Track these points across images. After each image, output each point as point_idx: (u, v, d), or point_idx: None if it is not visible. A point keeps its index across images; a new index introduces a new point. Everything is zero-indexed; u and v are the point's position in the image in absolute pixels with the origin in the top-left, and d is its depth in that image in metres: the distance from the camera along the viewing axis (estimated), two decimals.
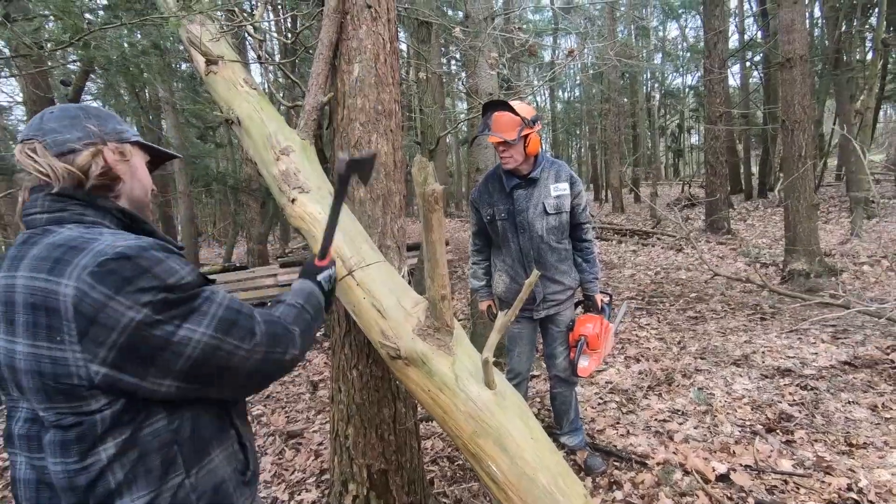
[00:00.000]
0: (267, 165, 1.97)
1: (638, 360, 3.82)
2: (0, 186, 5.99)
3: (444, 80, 9.46)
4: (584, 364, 2.39)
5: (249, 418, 3.34)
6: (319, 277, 1.29)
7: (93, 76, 6.59)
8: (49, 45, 2.13)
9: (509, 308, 1.50)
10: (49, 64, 3.92)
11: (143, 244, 0.83)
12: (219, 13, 2.84)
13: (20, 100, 7.61)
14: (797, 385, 3.14)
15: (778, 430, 2.65)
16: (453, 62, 12.44)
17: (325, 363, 4.67)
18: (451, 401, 1.50)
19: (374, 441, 2.07)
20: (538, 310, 2.47)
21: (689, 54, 20.42)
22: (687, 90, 22.29)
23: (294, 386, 4.24)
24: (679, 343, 4.14)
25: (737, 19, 16.18)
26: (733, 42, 15.40)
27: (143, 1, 2.69)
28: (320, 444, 3.06)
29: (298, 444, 3.13)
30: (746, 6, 16.72)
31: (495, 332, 1.46)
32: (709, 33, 9.80)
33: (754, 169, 16.18)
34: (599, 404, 3.17)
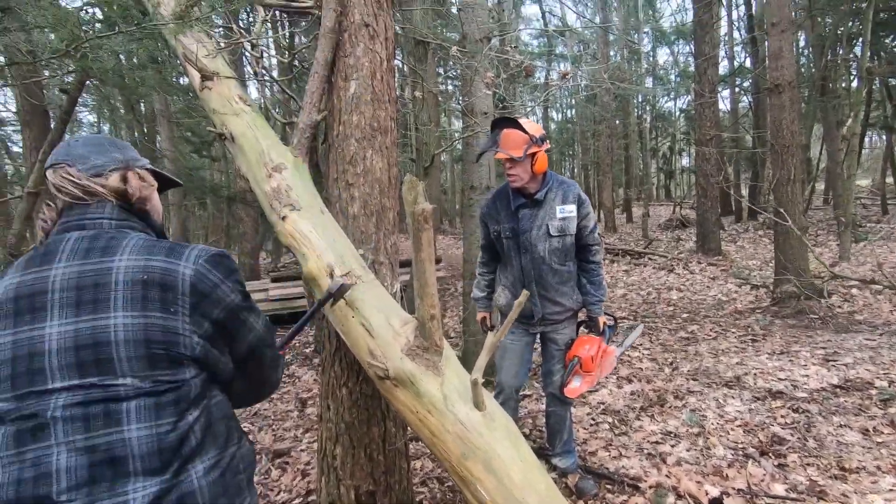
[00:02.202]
0: (259, 182, 1.97)
1: (630, 381, 3.81)
2: None
3: (441, 99, 9.57)
4: (576, 385, 2.37)
5: None
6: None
7: (88, 88, 6.60)
8: (44, 55, 2.12)
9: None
10: (45, 74, 3.92)
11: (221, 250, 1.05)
12: (217, 29, 2.86)
13: (13, 110, 7.59)
14: (789, 408, 3.13)
15: (770, 454, 2.64)
16: (449, 81, 12.60)
17: (315, 380, 4.61)
18: (440, 422, 1.48)
19: (362, 461, 2.03)
20: (534, 326, 2.46)
21: (679, 79, 20.84)
22: (678, 113, 22.68)
23: (282, 403, 4.18)
24: (671, 364, 4.13)
25: (726, 46, 16.56)
26: (723, 68, 15.74)
27: (141, 13, 2.70)
28: (307, 463, 3.00)
29: (285, 463, 3.07)
30: (736, 34, 17.15)
31: (484, 352, 1.45)
32: (699, 59, 10.01)
33: (745, 191, 16.40)
34: (591, 425, 3.14)
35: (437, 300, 1.53)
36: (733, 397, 3.36)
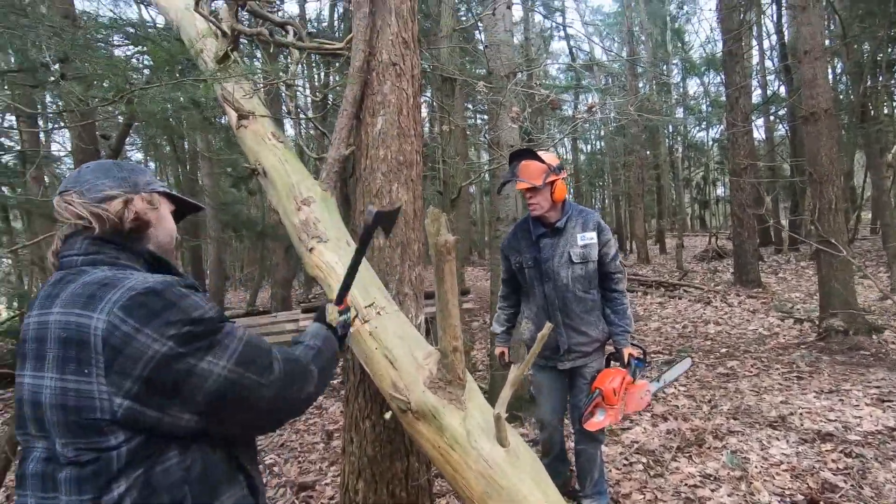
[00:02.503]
0: (289, 215, 2.03)
1: (666, 419, 3.64)
2: (43, 230, 6.30)
3: (469, 133, 9.74)
4: (598, 419, 2.28)
5: (261, 467, 3.28)
6: (335, 323, 1.31)
7: (135, 128, 7.03)
8: (95, 102, 2.30)
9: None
10: (97, 117, 4.22)
11: (169, 280, 0.89)
12: (255, 71, 3.02)
13: (69, 149, 8.11)
14: (841, 451, 2.92)
15: (822, 502, 2.45)
16: (478, 115, 12.83)
17: (341, 412, 4.58)
18: (462, 458, 1.44)
19: (384, 498, 1.99)
20: (563, 360, 2.40)
21: (711, 109, 20.63)
22: (711, 143, 22.35)
23: (309, 435, 4.16)
24: (710, 401, 3.93)
25: (759, 75, 16.36)
26: (757, 97, 15.51)
27: (184, 62, 2.88)
28: (331, 497, 2.96)
29: (309, 496, 3.03)
30: (768, 63, 16.95)
31: (508, 386, 1.42)
32: (730, 89, 9.91)
33: (784, 221, 15.86)
34: (625, 465, 2.99)
35: (460, 332, 1.51)
36: (778, 439, 3.16)
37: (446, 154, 3.92)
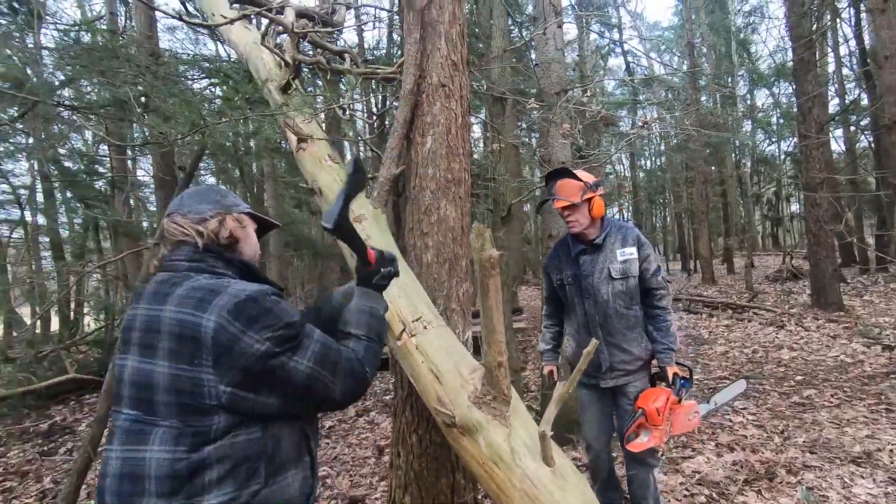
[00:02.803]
0: None
1: (732, 449, 3.39)
2: (127, 247, 6.89)
3: (522, 150, 9.73)
4: (642, 440, 2.17)
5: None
6: (376, 281, 1.34)
7: (207, 155, 7.58)
8: (174, 135, 2.53)
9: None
10: (175, 148, 4.64)
11: (264, 289, 1.07)
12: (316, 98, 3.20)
13: (151, 174, 8.86)
14: None
15: None
16: (531, 133, 12.81)
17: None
18: (507, 476, 1.43)
19: None
20: (605, 378, 2.34)
21: (783, 120, 19.46)
22: (783, 157, 21.04)
23: (361, 449, 4.22)
24: (782, 432, 3.63)
25: (835, 83, 15.32)
26: (834, 106, 14.51)
27: (251, 93, 3.11)
28: None
29: None
30: (845, 70, 15.85)
31: (553, 404, 1.39)
32: (802, 98, 9.34)
33: (870, 239, 14.56)
34: (685, 497, 2.82)
35: (505, 348, 1.51)
36: (863, 476, 2.86)
37: (496, 172, 3.95)
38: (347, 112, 3.11)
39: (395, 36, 8.87)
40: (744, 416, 4.01)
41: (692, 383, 2.37)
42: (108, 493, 1.01)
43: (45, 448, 5.10)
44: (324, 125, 2.91)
